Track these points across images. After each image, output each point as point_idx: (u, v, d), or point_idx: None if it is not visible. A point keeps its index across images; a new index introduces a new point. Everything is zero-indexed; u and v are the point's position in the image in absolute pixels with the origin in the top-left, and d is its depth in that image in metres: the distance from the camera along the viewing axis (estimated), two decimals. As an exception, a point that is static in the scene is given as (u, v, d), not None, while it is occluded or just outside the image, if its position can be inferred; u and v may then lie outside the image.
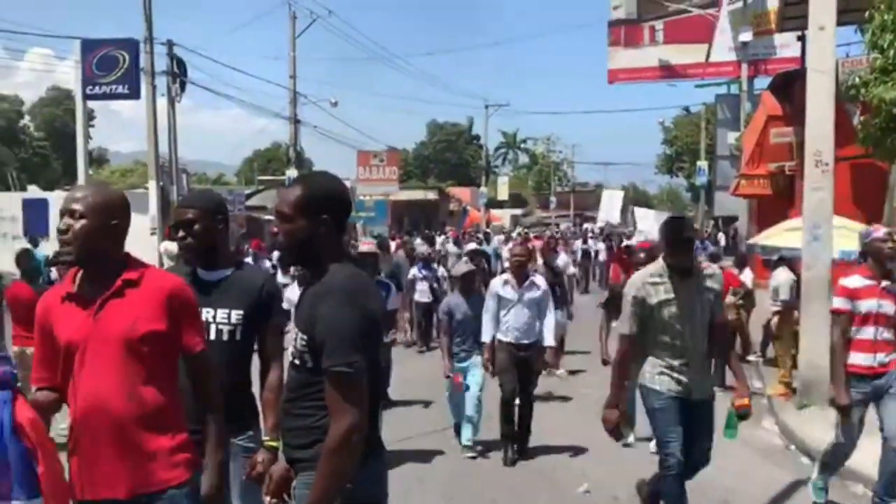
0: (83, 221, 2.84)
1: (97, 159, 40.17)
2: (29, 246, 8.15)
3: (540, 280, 7.68)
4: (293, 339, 2.80)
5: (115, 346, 2.83)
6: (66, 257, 2.91)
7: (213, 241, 3.59)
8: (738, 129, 23.37)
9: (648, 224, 15.34)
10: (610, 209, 16.39)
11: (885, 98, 9.51)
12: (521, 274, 7.48)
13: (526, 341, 7.38)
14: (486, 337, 7.38)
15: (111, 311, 2.86)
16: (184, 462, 2.95)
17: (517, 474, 6.89)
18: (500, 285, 7.50)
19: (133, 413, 2.84)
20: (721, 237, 31.76)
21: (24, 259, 7.85)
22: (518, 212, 56.50)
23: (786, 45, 21.87)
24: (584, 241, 24.75)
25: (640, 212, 15.75)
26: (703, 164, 38.56)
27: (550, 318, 7.53)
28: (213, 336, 3.50)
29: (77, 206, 2.85)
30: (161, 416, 2.89)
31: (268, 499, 2.98)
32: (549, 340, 7.50)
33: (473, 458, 7.33)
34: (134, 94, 22.33)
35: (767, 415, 8.87)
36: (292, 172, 28.71)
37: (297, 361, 2.77)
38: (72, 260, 2.91)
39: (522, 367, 7.35)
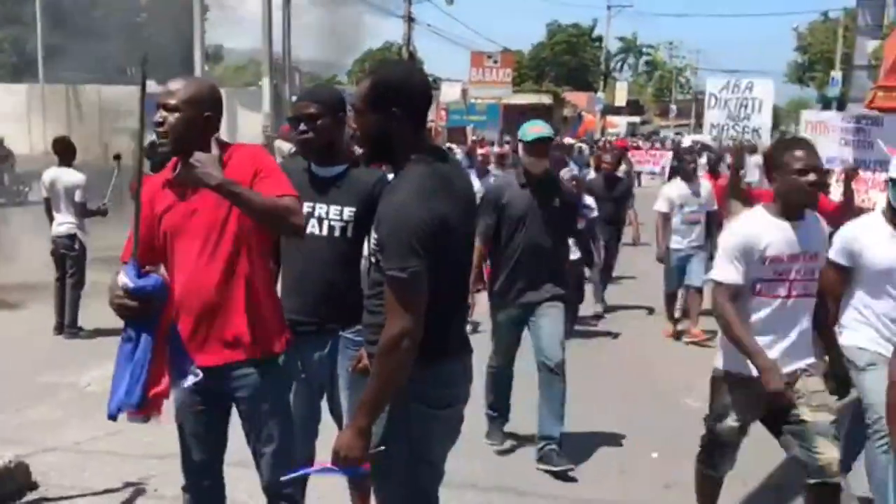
0: (177, 114, 2.97)
1: (212, 56, 40.89)
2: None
3: None
4: (371, 236, 2.76)
5: (204, 229, 3.00)
6: (163, 148, 3.02)
7: (332, 136, 3.57)
8: (879, 38, 21.86)
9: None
10: (738, 107, 8.66)
11: None
12: None
13: None
14: None
15: (202, 195, 2.96)
16: (275, 336, 3.16)
17: (621, 384, 6.75)
18: None
19: (225, 292, 3.03)
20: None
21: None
22: (636, 119, 55.01)
23: (941, -56, 20.16)
24: (677, 157, 19.24)
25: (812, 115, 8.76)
26: (837, 74, 36.48)
27: None
28: (324, 232, 3.55)
29: (171, 100, 2.98)
30: (253, 293, 3.08)
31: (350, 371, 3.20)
32: None
33: None
34: (251, -12, 22.35)
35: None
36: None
37: (372, 259, 2.74)
38: (168, 151, 3.04)
39: None
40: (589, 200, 8.43)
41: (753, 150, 17.01)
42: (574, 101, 47.49)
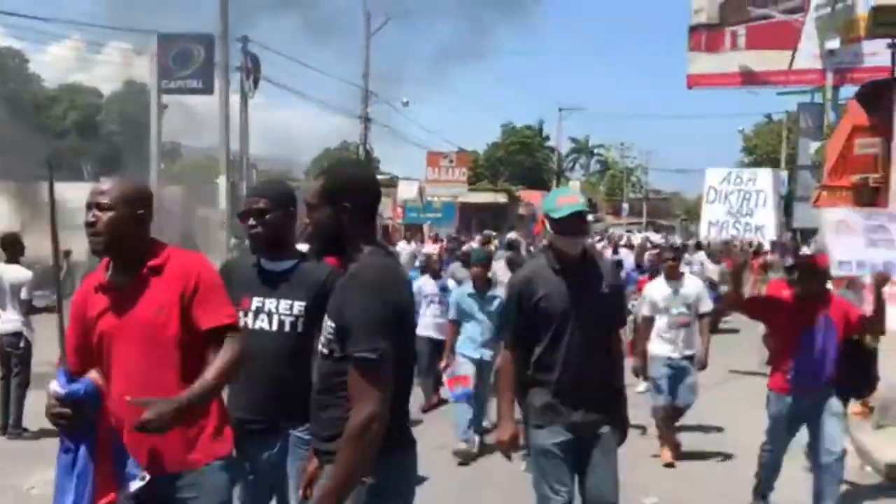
0: (111, 213, 2.92)
1: (169, 153, 41.14)
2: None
3: None
4: (324, 329, 2.78)
5: (142, 334, 2.92)
6: (97, 248, 2.97)
7: (281, 231, 3.60)
8: (820, 139, 22.69)
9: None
10: (740, 202, 9.68)
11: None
12: None
13: None
14: None
15: (138, 300, 2.94)
16: (215, 443, 3.06)
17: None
18: None
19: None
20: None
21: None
22: (589, 218, 55.96)
23: (874, 53, 21.05)
24: (615, 251, 19.27)
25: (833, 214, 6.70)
26: (783, 173, 37.61)
27: None
28: (275, 327, 3.54)
29: (104, 199, 2.93)
30: None
31: (300, 492, 3.06)
32: None
33: None
34: (208, 89, 22.69)
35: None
36: (362, 171, 28.75)
37: (325, 351, 2.76)
38: (101, 250, 2.97)
39: None
40: None
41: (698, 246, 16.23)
42: (529, 199, 48.31)
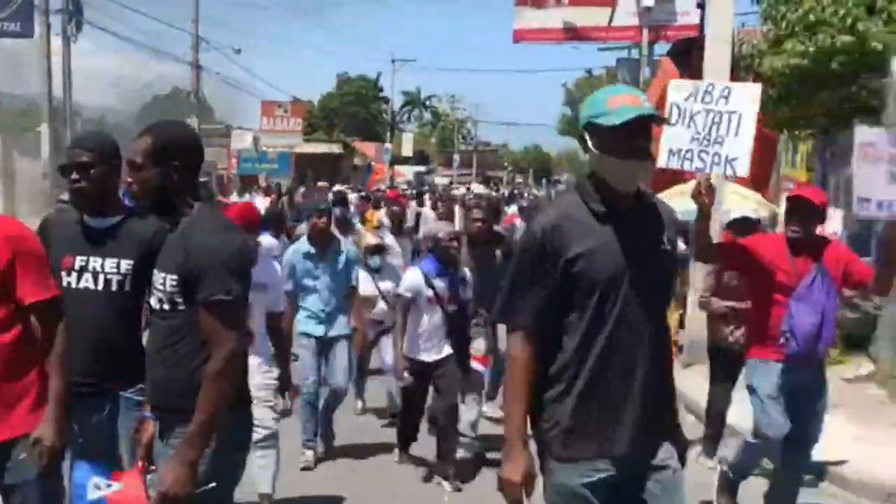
0: None
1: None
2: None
3: None
4: (158, 285, 2.81)
5: None
6: None
7: (106, 186, 3.46)
8: (638, 94, 23.70)
9: None
10: (709, 125, 5.31)
11: (776, 68, 9.86)
12: None
13: None
14: None
15: None
16: (34, 414, 3.00)
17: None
18: None
19: None
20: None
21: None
22: (422, 169, 56.39)
23: (686, 12, 22.28)
24: (421, 204, 18.73)
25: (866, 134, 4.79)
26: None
27: None
28: (101, 286, 3.42)
29: None
30: (11, 363, 2.95)
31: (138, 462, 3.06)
32: None
33: None
34: (27, 32, 21.34)
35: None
36: (193, 120, 27.89)
37: (165, 307, 2.79)
38: None
39: None
40: (468, 273, 6.03)
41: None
42: (364, 150, 48.18)
